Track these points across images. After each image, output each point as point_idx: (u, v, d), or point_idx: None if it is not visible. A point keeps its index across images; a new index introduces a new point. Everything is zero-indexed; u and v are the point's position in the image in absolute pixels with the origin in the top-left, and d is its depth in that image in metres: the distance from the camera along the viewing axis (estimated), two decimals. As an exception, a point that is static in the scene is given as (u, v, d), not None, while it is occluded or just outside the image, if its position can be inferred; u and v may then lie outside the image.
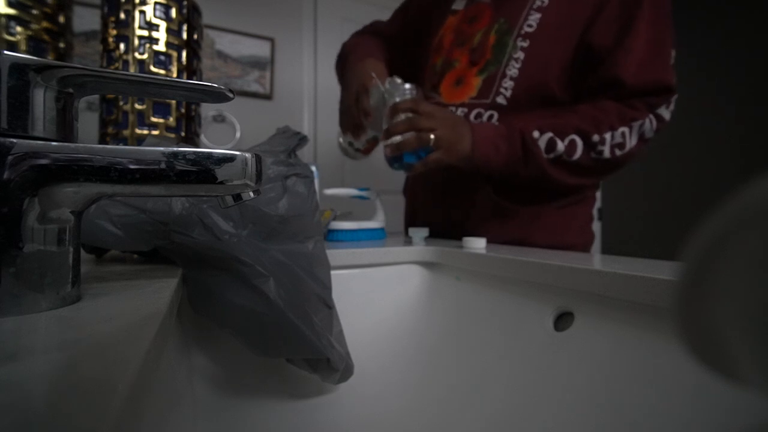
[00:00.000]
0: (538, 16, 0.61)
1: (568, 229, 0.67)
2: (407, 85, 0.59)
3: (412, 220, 0.82)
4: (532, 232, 0.65)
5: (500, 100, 0.63)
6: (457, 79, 0.68)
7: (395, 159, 0.58)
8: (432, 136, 0.54)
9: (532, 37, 0.61)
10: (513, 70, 0.62)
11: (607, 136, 0.57)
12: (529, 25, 0.61)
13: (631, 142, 0.59)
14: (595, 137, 0.57)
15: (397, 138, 0.55)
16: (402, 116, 0.56)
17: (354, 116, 0.67)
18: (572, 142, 0.57)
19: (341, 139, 0.75)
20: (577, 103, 0.62)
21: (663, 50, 0.58)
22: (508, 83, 0.62)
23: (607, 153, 0.58)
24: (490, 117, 0.63)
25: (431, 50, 0.76)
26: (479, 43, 0.67)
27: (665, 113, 0.59)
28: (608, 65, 0.58)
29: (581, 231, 0.70)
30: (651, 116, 0.58)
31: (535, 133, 0.57)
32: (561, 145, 0.57)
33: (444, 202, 0.72)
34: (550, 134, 0.57)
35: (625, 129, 0.58)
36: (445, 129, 0.55)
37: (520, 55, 0.61)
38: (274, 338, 0.30)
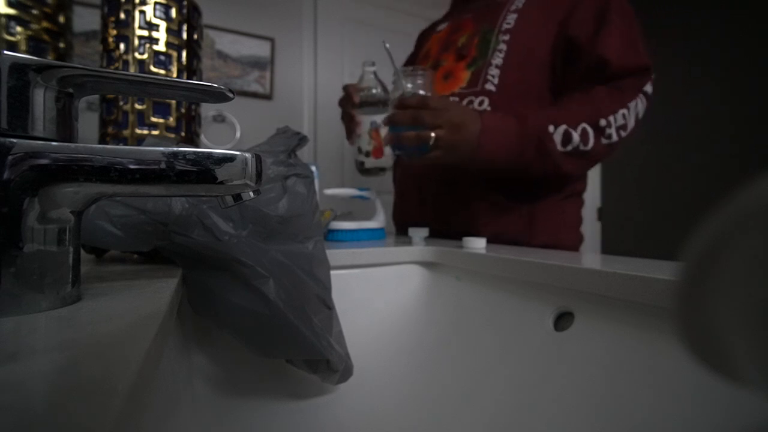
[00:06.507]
0: (515, 16, 0.67)
1: (558, 227, 0.68)
2: (419, 71, 0.57)
3: (400, 214, 0.83)
4: (523, 229, 0.66)
5: (489, 86, 0.65)
6: (446, 73, 0.71)
7: (395, 146, 0.56)
8: (433, 135, 0.53)
9: (512, 32, 0.66)
10: (498, 60, 0.66)
11: (611, 119, 0.58)
12: (508, 23, 0.67)
13: (631, 122, 0.60)
14: (602, 122, 0.58)
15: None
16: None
17: (346, 122, 0.68)
18: (584, 131, 0.58)
19: (355, 157, 0.68)
20: (567, 93, 0.63)
21: (637, 39, 0.62)
22: (494, 71, 0.66)
23: (614, 136, 0.59)
24: (481, 103, 0.65)
25: (418, 61, 0.81)
26: (464, 44, 0.71)
27: (650, 90, 0.62)
28: (591, 50, 0.61)
29: (571, 229, 0.71)
30: (641, 95, 0.60)
31: (550, 128, 0.57)
32: (576, 136, 0.57)
33: (434, 198, 0.73)
34: (564, 126, 0.57)
35: (624, 111, 0.59)
36: (449, 130, 0.54)
37: (503, 47, 0.66)
38: (273, 339, 0.30)
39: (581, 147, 0.58)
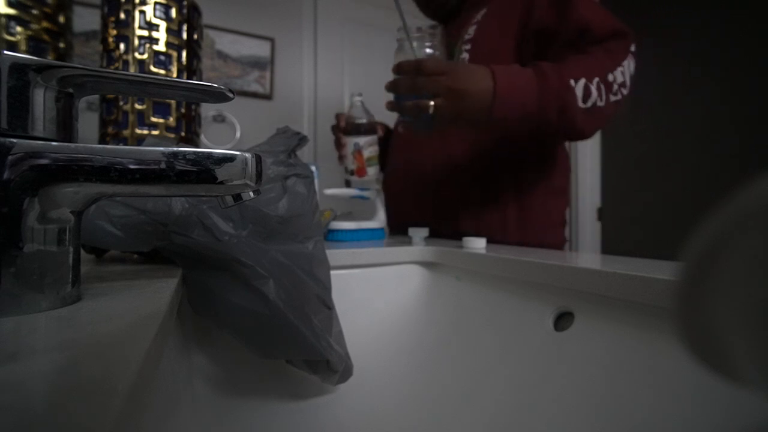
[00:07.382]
0: (474, 27, 0.70)
1: (544, 228, 0.69)
2: (427, 30, 0.55)
3: (394, 216, 0.83)
4: (507, 228, 0.67)
5: None
6: None
7: (401, 115, 0.55)
8: (431, 104, 0.49)
9: (473, 41, 0.70)
10: None
11: (615, 74, 0.57)
12: (469, 34, 0.70)
13: (628, 81, 0.59)
14: (610, 76, 0.57)
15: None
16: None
17: (336, 146, 0.71)
18: (599, 86, 0.56)
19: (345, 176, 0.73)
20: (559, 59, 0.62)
21: (605, 10, 0.61)
22: None
23: (619, 94, 0.58)
24: None
25: None
26: None
27: (634, 50, 0.61)
28: (567, 26, 0.60)
29: (556, 229, 0.72)
30: (630, 55, 0.60)
31: (571, 82, 0.54)
32: (594, 90, 0.55)
33: (420, 196, 0.74)
34: (583, 80, 0.55)
35: (621, 68, 0.58)
36: (448, 98, 0.50)
37: (465, 55, 0.69)
38: (273, 339, 0.30)
39: (598, 103, 0.56)
